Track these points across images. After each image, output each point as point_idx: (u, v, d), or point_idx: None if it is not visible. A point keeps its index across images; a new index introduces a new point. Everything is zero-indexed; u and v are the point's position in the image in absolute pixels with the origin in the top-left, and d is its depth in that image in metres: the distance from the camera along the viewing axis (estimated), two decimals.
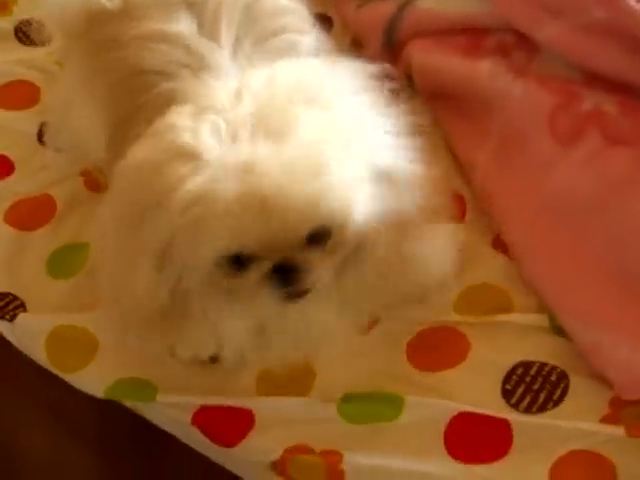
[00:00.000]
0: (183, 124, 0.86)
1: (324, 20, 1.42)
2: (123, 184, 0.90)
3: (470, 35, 1.23)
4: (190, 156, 0.83)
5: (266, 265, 0.87)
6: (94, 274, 0.99)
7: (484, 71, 1.19)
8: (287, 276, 0.88)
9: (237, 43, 1.01)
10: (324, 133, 0.85)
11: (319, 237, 0.87)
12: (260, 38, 1.02)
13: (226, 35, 1.01)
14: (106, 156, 1.08)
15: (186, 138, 0.85)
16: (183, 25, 1.03)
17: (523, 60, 1.19)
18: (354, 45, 1.40)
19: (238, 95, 0.89)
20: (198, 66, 0.98)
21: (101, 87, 1.07)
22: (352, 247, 0.92)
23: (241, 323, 0.97)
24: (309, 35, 1.08)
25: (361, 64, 0.96)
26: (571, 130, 1.11)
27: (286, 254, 0.87)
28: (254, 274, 0.88)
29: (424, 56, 1.25)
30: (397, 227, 0.92)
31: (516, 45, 1.20)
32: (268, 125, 0.84)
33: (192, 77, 0.97)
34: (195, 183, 0.82)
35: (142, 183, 0.87)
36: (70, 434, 1.17)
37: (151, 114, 0.92)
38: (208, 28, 1.02)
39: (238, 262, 0.87)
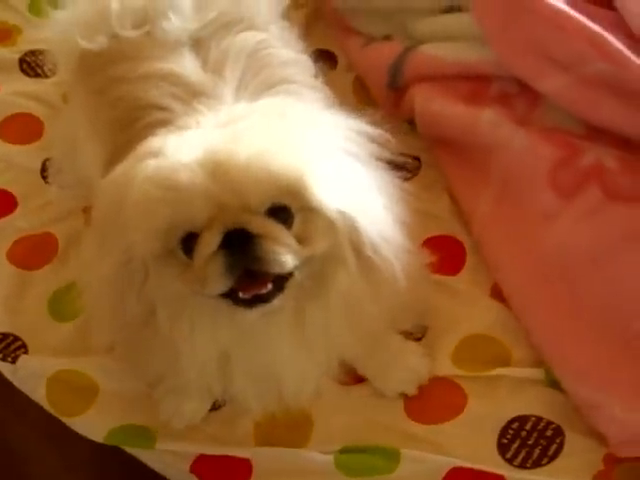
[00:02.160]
0: (156, 141, 0.89)
1: (328, 57, 1.43)
2: (99, 203, 0.92)
3: (473, 83, 1.23)
4: (153, 155, 0.86)
5: (216, 237, 0.82)
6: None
7: (485, 120, 1.19)
8: (240, 249, 0.82)
9: (241, 84, 1.02)
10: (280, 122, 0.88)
11: (279, 214, 0.84)
12: (264, 84, 1.03)
13: (231, 74, 1.02)
14: None
15: (154, 144, 0.88)
16: (187, 63, 1.05)
17: (525, 109, 1.19)
18: (358, 83, 1.40)
19: (219, 116, 0.91)
20: (195, 97, 0.99)
21: (103, 123, 1.08)
22: (318, 264, 0.87)
23: (205, 347, 0.92)
24: (313, 89, 1.08)
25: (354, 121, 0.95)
26: (572, 184, 1.11)
27: (239, 221, 0.82)
28: (203, 250, 0.83)
29: (426, 101, 1.25)
30: (362, 264, 0.89)
31: (518, 94, 1.20)
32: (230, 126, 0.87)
33: (184, 107, 0.98)
34: (148, 168, 0.84)
35: (113, 194, 0.88)
36: (70, 466, 1.18)
37: (138, 143, 0.93)
38: (212, 66, 1.04)
39: (188, 246, 0.84)
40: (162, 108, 1.00)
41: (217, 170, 0.81)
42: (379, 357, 1.07)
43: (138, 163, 0.86)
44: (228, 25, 1.09)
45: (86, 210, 1.26)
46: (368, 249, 0.88)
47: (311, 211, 0.86)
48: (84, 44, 1.11)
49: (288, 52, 1.12)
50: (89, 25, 1.12)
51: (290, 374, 0.97)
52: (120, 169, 0.90)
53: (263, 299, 0.86)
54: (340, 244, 0.88)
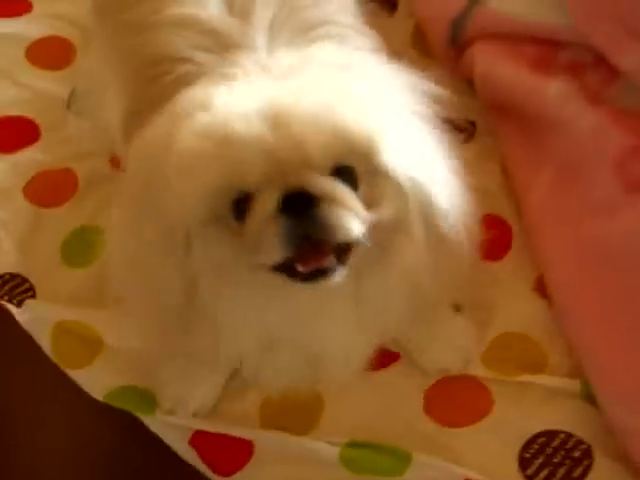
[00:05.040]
0: (200, 93, 0.79)
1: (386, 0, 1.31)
2: (135, 163, 0.83)
3: (542, 47, 1.11)
4: (200, 108, 0.76)
5: (273, 198, 0.73)
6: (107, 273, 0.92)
7: (552, 91, 1.07)
8: (302, 214, 0.73)
9: (274, 29, 0.90)
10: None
11: (344, 176, 0.75)
12: (300, 28, 0.91)
13: (260, 18, 0.91)
14: (123, 147, 1.00)
15: (198, 96, 0.78)
16: (211, 8, 0.93)
17: (598, 85, 1.06)
18: (417, 32, 1.28)
19: (263, 65, 0.82)
20: (224, 48, 0.89)
21: (124, 72, 0.99)
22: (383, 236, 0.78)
23: (248, 325, 0.84)
24: (357, 31, 0.96)
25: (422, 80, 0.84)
26: None
27: (300, 180, 0.73)
28: (258, 213, 0.74)
29: (488, 62, 1.14)
30: (429, 233, 0.81)
31: (592, 66, 1.07)
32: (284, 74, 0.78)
33: (213, 59, 0.88)
34: (196, 122, 0.75)
35: (150, 156, 0.79)
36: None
37: (165, 101, 0.83)
38: (239, 10, 0.92)
39: (240, 210, 0.75)
40: (188, 60, 0.90)
41: (277, 121, 0.72)
42: (425, 330, 0.99)
43: (181, 118, 0.77)
44: None
45: (113, 161, 1.18)
46: (438, 218, 0.80)
47: (378, 175, 0.77)
48: None
49: None
50: None
51: (336, 352, 0.88)
52: (156, 127, 0.80)
53: (324, 273, 0.76)
54: (408, 212, 0.79)
